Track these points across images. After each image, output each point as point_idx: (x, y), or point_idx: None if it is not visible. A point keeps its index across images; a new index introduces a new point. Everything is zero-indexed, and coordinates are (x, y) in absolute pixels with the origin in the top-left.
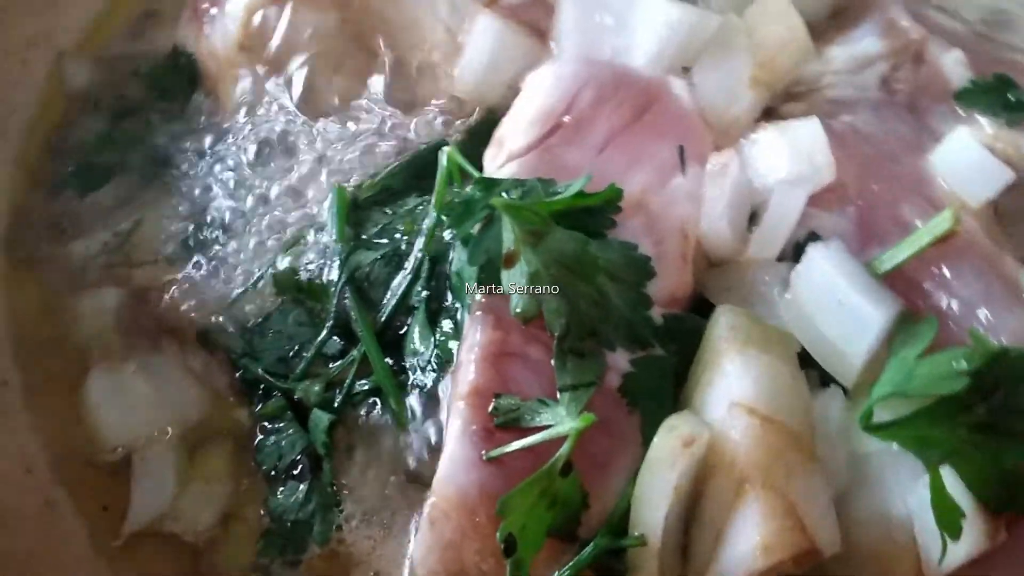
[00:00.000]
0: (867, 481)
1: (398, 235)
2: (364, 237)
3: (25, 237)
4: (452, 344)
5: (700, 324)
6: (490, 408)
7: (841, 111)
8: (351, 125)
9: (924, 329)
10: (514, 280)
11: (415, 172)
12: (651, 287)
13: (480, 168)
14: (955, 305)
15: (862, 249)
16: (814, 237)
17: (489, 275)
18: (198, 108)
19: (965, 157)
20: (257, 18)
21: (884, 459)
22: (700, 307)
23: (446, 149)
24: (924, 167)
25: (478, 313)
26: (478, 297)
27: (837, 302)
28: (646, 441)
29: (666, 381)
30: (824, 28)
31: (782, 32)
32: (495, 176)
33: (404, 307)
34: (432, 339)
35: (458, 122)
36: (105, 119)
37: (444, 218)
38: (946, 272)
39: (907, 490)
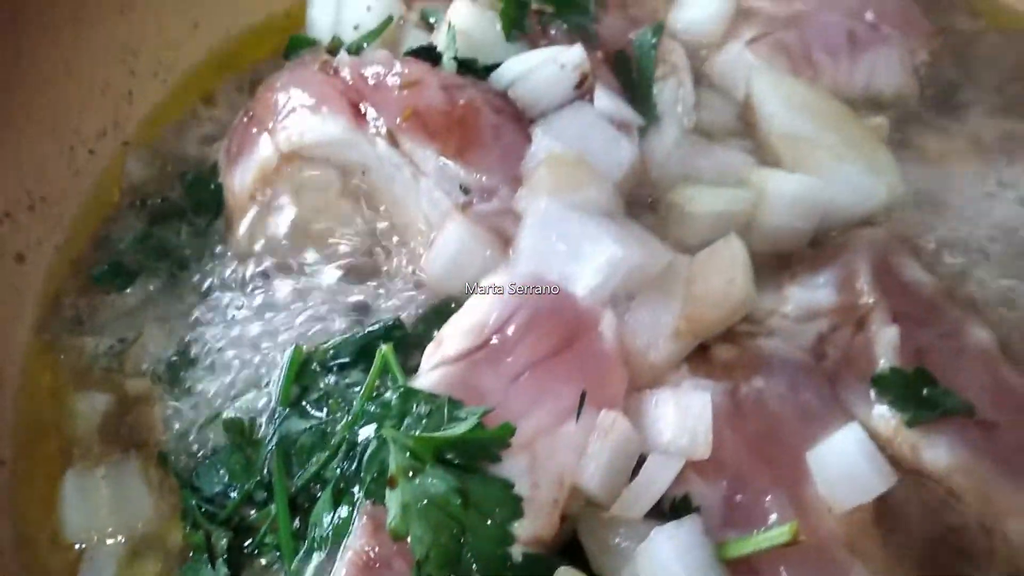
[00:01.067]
0: None
1: (332, 406)
2: (303, 403)
3: (53, 322)
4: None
5: (555, 565)
6: None
7: (759, 371)
8: (325, 282)
9: None
10: (391, 501)
11: (365, 346)
12: (517, 526)
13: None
14: None
15: (722, 527)
16: (686, 501)
17: (378, 486)
18: (218, 231)
19: (847, 460)
20: (269, 175)
21: None
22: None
23: (383, 350)
24: (804, 455)
25: (364, 518)
26: (366, 503)
27: None
28: None
29: None
30: (799, 259)
31: (720, 288)
32: (425, 376)
33: (319, 479)
34: (331, 516)
35: (421, 297)
36: (145, 219)
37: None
38: (784, 572)
39: None
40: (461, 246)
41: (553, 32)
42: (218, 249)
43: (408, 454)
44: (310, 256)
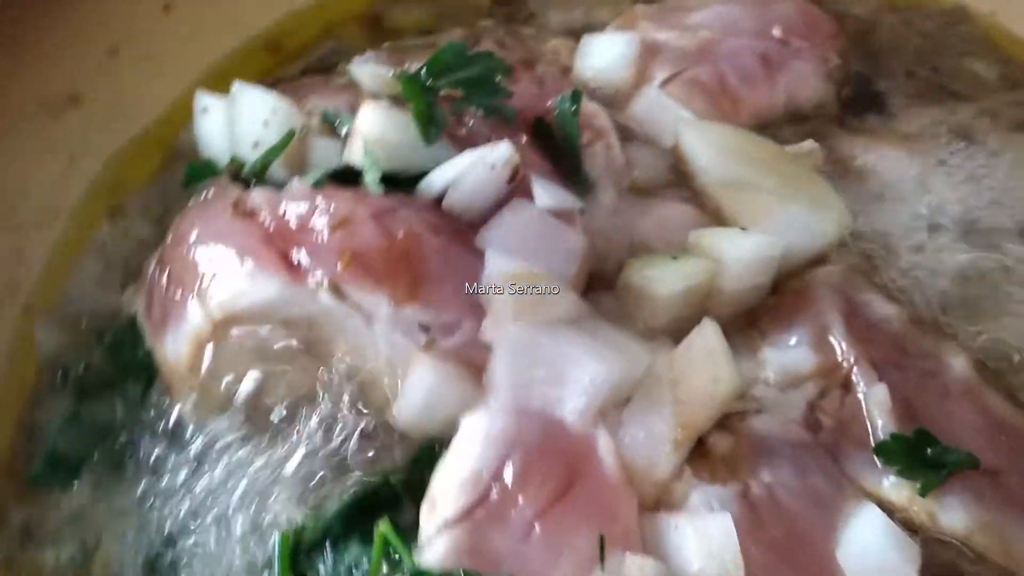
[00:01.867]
0: None
1: None
2: None
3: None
4: None
5: None
6: None
7: (763, 461)
8: (294, 450)
9: None
10: None
11: (357, 513)
12: None
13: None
14: None
15: None
16: None
17: None
18: (156, 401)
19: (875, 552)
20: (205, 351)
21: None
22: None
23: (380, 529)
24: (834, 553)
25: None
26: None
27: None
28: None
29: None
30: (763, 312)
31: (706, 388)
32: (431, 547)
33: None
34: None
35: (397, 451)
36: (72, 395)
37: None
38: None
39: None
40: (432, 388)
41: (469, 120)
42: (162, 422)
43: None
44: (273, 416)
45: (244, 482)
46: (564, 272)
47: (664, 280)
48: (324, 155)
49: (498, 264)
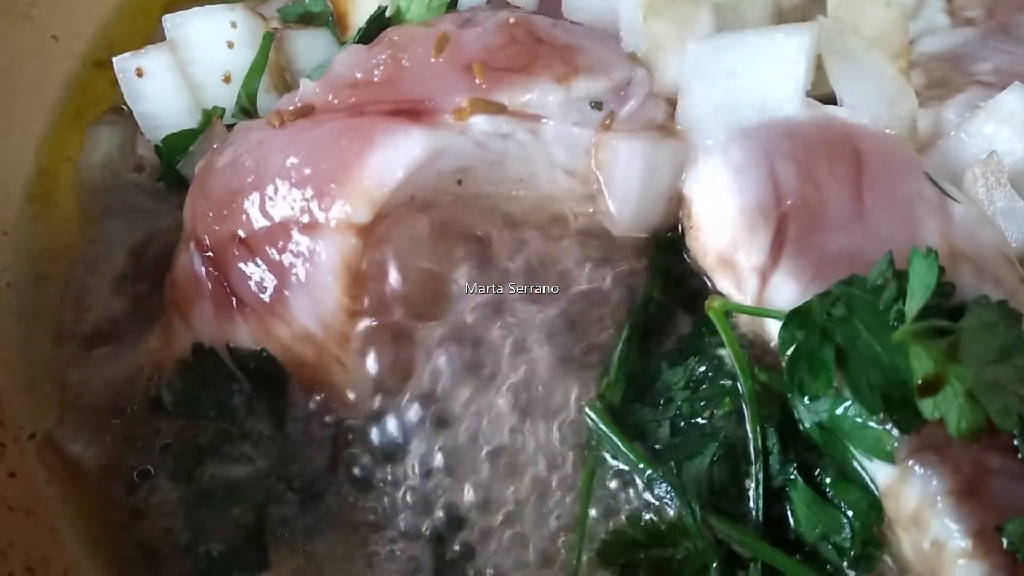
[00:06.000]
0: None
1: (701, 421)
2: (660, 447)
3: None
4: (865, 504)
5: None
6: (1005, 546)
7: (965, 63)
8: (513, 328)
9: None
10: (946, 404)
11: (640, 344)
12: None
13: None
14: None
15: None
16: None
17: (900, 413)
18: (306, 414)
19: None
20: (355, 268)
21: None
22: None
23: (714, 305)
24: None
25: (910, 460)
26: (895, 442)
27: None
28: None
29: None
30: None
31: (882, 12)
32: (773, 296)
33: (770, 496)
34: (835, 512)
35: (624, 266)
36: (174, 486)
37: (776, 380)
38: None
39: None
40: (645, 165)
41: None
42: (328, 429)
43: (938, 338)
44: (456, 321)
45: (482, 395)
46: None
47: None
48: (316, 47)
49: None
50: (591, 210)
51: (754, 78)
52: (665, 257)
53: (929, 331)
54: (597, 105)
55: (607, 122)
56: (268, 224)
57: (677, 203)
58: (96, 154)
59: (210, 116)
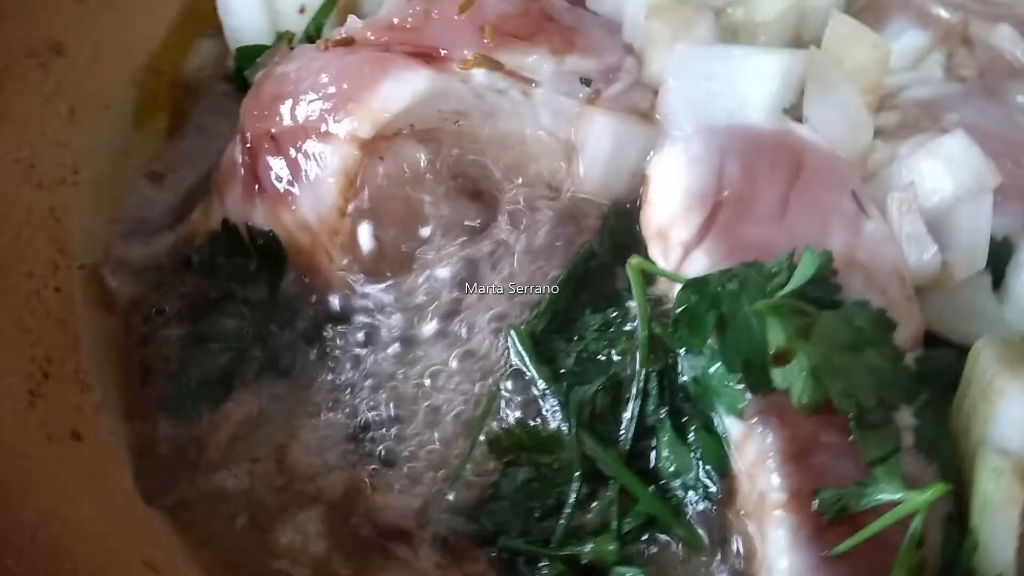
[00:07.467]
0: None
1: (601, 358)
2: (564, 371)
3: (159, 482)
4: (716, 454)
5: (946, 358)
6: (814, 507)
7: (938, 112)
8: (479, 259)
9: None
10: (792, 376)
11: (574, 288)
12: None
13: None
14: None
15: None
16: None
17: (754, 377)
18: (297, 288)
19: None
20: (354, 176)
21: None
22: None
23: (633, 263)
24: None
25: (755, 418)
26: (747, 401)
27: None
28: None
29: (946, 423)
30: None
31: (868, 52)
32: (685, 268)
33: (641, 431)
34: (690, 455)
35: (585, 223)
36: (179, 324)
37: (665, 333)
38: None
39: None
40: (615, 139)
41: None
42: (310, 305)
43: (795, 317)
44: (435, 244)
45: (441, 319)
46: None
47: (766, 4)
48: None
49: None
50: (566, 171)
51: (730, 86)
52: (619, 223)
53: (789, 309)
54: (586, 81)
55: (592, 97)
56: (293, 126)
57: (641, 180)
58: (196, 62)
59: (281, 37)
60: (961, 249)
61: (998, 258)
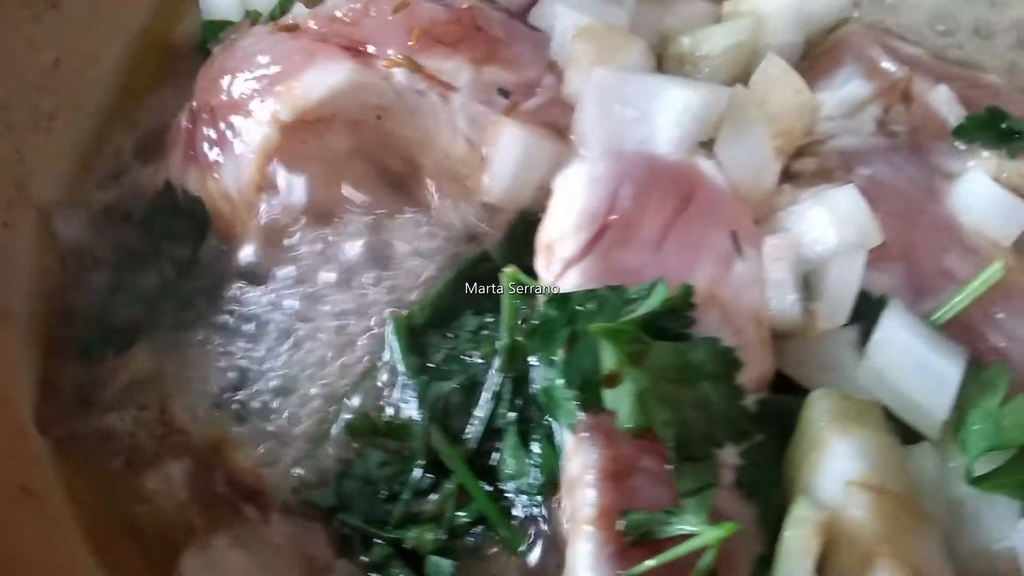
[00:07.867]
0: (966, 521)
1: (467, 359)
2: (431, 366)
3: (56, 415)
4: (552, 464)
5: (790, 404)
6: (621, 527)
7: (855, 163)
8: (383, 247)
9: (995, 376)
10: (620, 399)
11: (461, 288)
12: (740, 377)
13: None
14: (1013, 345)
15: (914, 303)
16: (863, 297)
17: (589, 395)
18: (215, 252)
19: (985, 197)
20: (272, 155)
21: (980, 500)
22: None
23: (507, 271)
24: (949, 212)
25: (584, 434)
26: (580, 417)
27: (916, 364)
28: (768, 529)
29: (774, 467)
30: (801, 72)
31: (790, 97)
32: (557, 287)
33: (490, 432)
34: (527, 461)
35: (489, 228)
36: (109, 273)
37: (523, 342)
38: (999, 314)
39: (1007, 526)
40: (524, 151)
41: None
42: (222, 267)
43: (628, 343)
44: (343, 226)
45: (321, 297)
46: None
47: (714, 40)
48: None
49: (568, 17)
50: (476, 176)
51: (643, 114)
52: (519, 233)
53: (626, 335)
54: (504, 93)
55: (509, 109)
56: (229, 100)
57: (546, 194)
58: (185, 29)
59: (250, 15)
60: (827, 301)
61: (874, 315)
